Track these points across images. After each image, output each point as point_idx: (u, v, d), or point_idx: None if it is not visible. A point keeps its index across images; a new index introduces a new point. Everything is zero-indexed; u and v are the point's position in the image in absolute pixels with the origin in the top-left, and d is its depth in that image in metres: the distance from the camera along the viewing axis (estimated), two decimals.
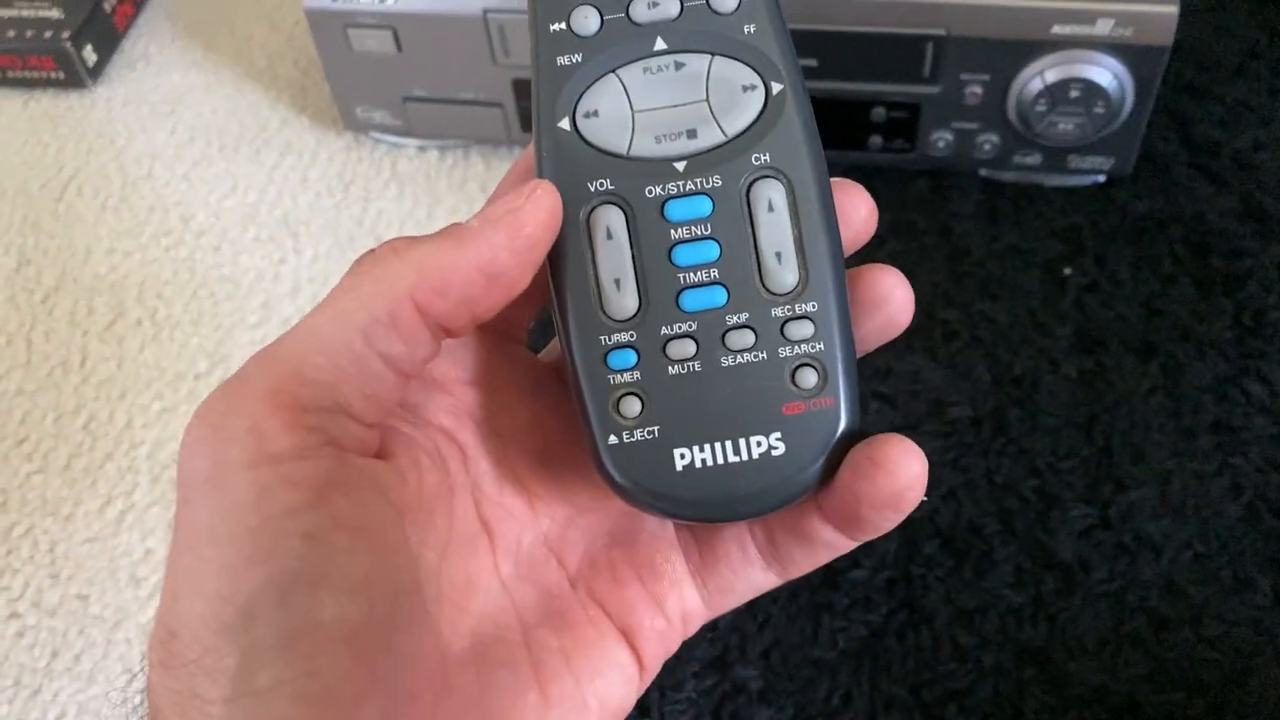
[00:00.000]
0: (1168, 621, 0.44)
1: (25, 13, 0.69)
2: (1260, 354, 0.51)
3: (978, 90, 0.54)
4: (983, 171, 0.58)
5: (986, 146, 0.56)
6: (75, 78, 0.68)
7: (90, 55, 0.68)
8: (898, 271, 0.25)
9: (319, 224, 0.60)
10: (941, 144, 0.57)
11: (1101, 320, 0.52)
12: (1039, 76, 0.52)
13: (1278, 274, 0.53)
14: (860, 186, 0.26)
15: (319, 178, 0.63)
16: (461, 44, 0.57)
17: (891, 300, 0.25)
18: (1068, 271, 0.54)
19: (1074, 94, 0.52)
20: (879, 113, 0.56)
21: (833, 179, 0.25)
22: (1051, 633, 0.43)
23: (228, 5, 0.73)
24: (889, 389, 0.51)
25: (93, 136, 0.66)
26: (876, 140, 0.57)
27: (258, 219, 0.61)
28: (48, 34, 0.67)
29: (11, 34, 0.67)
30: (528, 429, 0.27)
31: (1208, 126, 0.60)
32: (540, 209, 0.24)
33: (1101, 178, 0.57)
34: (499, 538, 0.26)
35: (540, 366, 0.28)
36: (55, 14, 0.68)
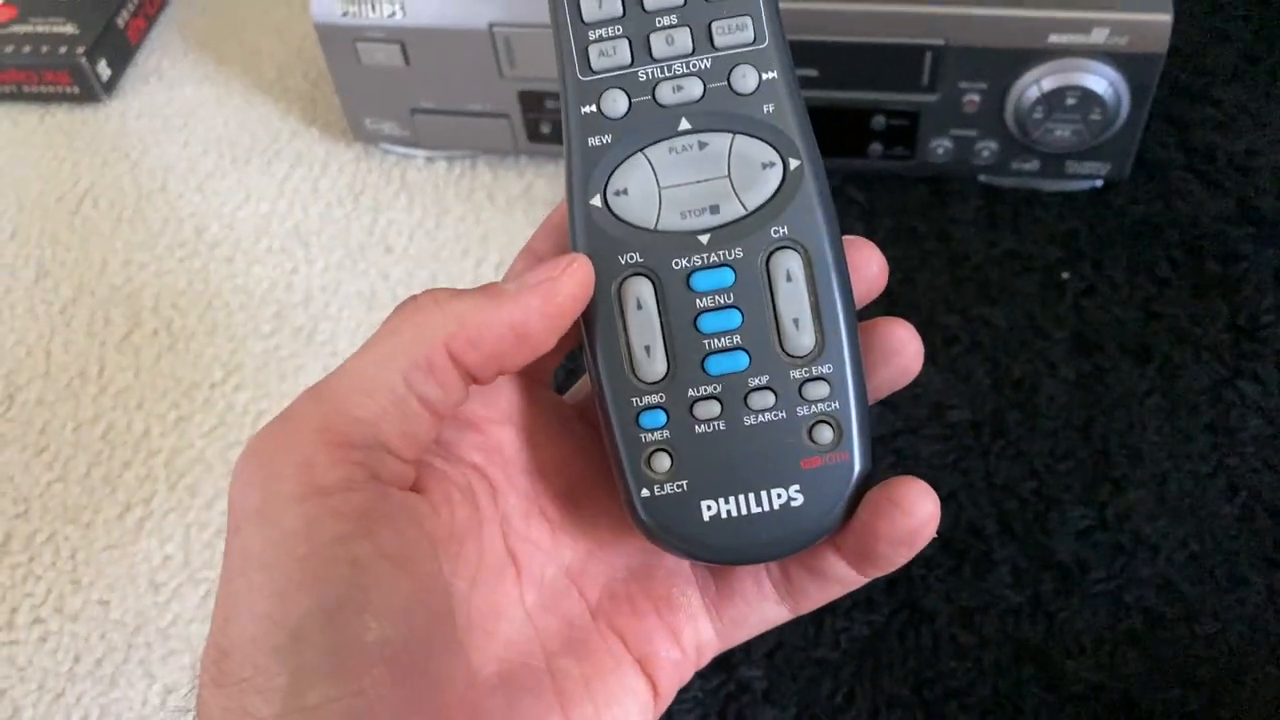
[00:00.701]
0: (1164, 620, 0.44)
1: (40, 28, 0.70)
2: (1255, 356, 0.51)
3: (976, 98, 0.55)
4: (982, 177, 0.59)
5: (985, 153, 0.57)
6: (90, 92, 0.69)
7: (104, 70, 0.70)
8: (908, 325, 0.27)
9: (330, 234, 0.62)
10: (941, 151, 0.57)
11: (1099, 324, 0.53)
12: (1036, 85, 0.53)
13: (1273, 277, 0.54)
14: (871, 244, 0.28)
15: (329, 188, 0.64)
16: (468, 57, 0.58)
17: (903, 353, 0.27)
18: (1065, 276, 0.55)
19: (1070, 102, 0.53)
20: (879, 121, 0.57)
21: (845, 237, 0.27)
22: (1050, 632, 0.44)
23: (238, 19, 0.75)
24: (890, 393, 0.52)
25: (107, 150, 0.67)
26: (877, 148, 0.58)
27: (270, 230, 0.62)
28: (62, 49, 0.68)
29: (27, 49, 0.69)
30: (554, 467, 0.29)
31: (1204, 131, 0.60)
32: (573, 281, 0.26)
33: (1099, 182, 0.58)
34: (525, 569, 0.28)
35: (565, 408, 0.30)
36: (70, 29, 0.70)
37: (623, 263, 0.27)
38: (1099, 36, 0.52)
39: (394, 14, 0.57)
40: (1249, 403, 0.50)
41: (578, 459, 0.29)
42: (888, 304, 0.54)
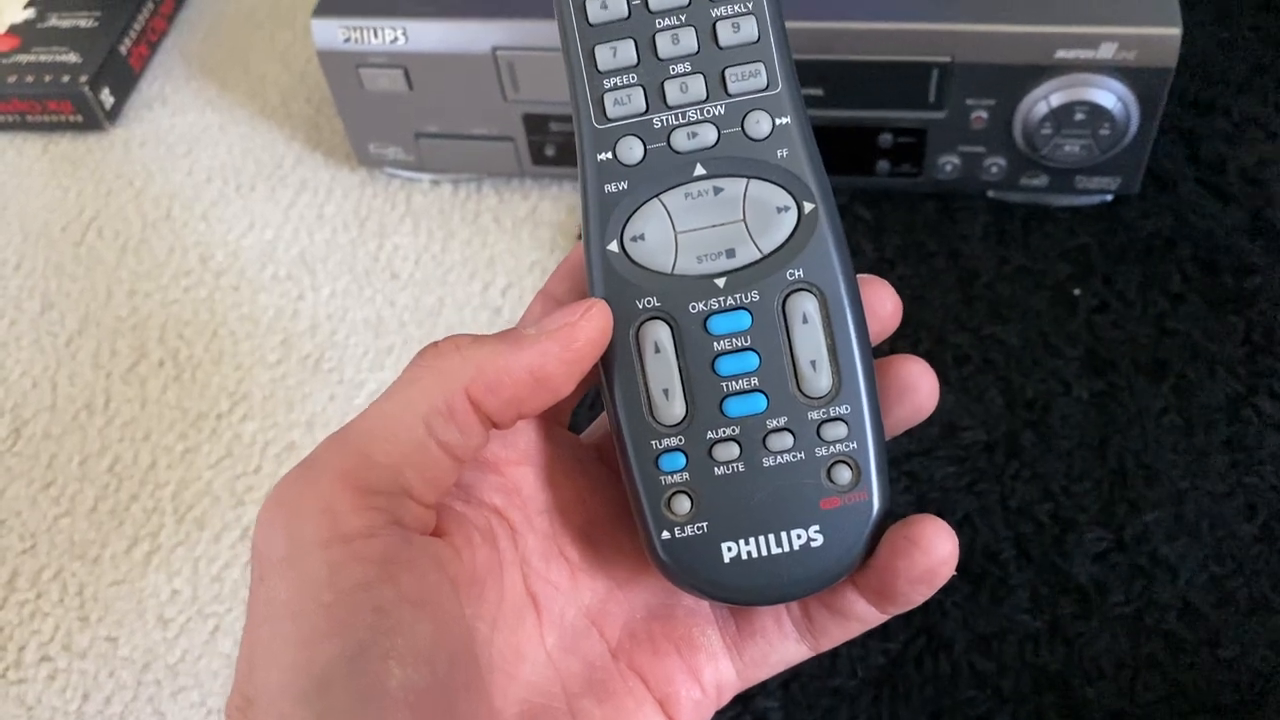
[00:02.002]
0: (1185, 644, 0.44)
1: (43, 58, 0.70)
2: (1272, 371, 0.51)
3: (983, 115, 0.54)
4: (990, 193, 0.59)
5: (993, 169, 0.57)
6: (93, 120, 0.69)
7: (108, 98, 0.69)
8: (923, 362, 0.28)
9: (335, 260, 0.61)
10: (949, 168, 0.57)
11: (1112, 341, 0.53)
12: (1044, 100, 0.53)
13: None
14: (885, 283, 0.28)
15: (334, 214, 0.64)
16: (472, 81, 0.58)
17: (919, 390, 0.27)
18: (1077, 292, 0.55)
19: (1079, 117, 0.53)
20: (886, 139, 0.57)
21: (859, 275, 0.27)
22: (1069, 657, 0.44)
23: (241, 45, 0.74)
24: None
25: (112, 179, 0.67)
26: (884, 165, 0.58)
27: (275, 257, 0.62)
28: (65, 78, 0.68)
29: (30, 79, 0.69)
30: (572, 506, 0.29)
31: (1214, 142, 0.60)
32: (592, 326, 0.26)
33: (1109, 197, 0.58)
34: (545, 610, 0.28)
35: (583, 447, 0.30)
36: (72, 58, 0.70)
37: (640, 307, 0.27)
38: (1107, 51, 0.51)
39: (396, 39, 0.57)
40: (1266, 419, 0.49)
41: (596, 498, 0.29)
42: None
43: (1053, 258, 0.56)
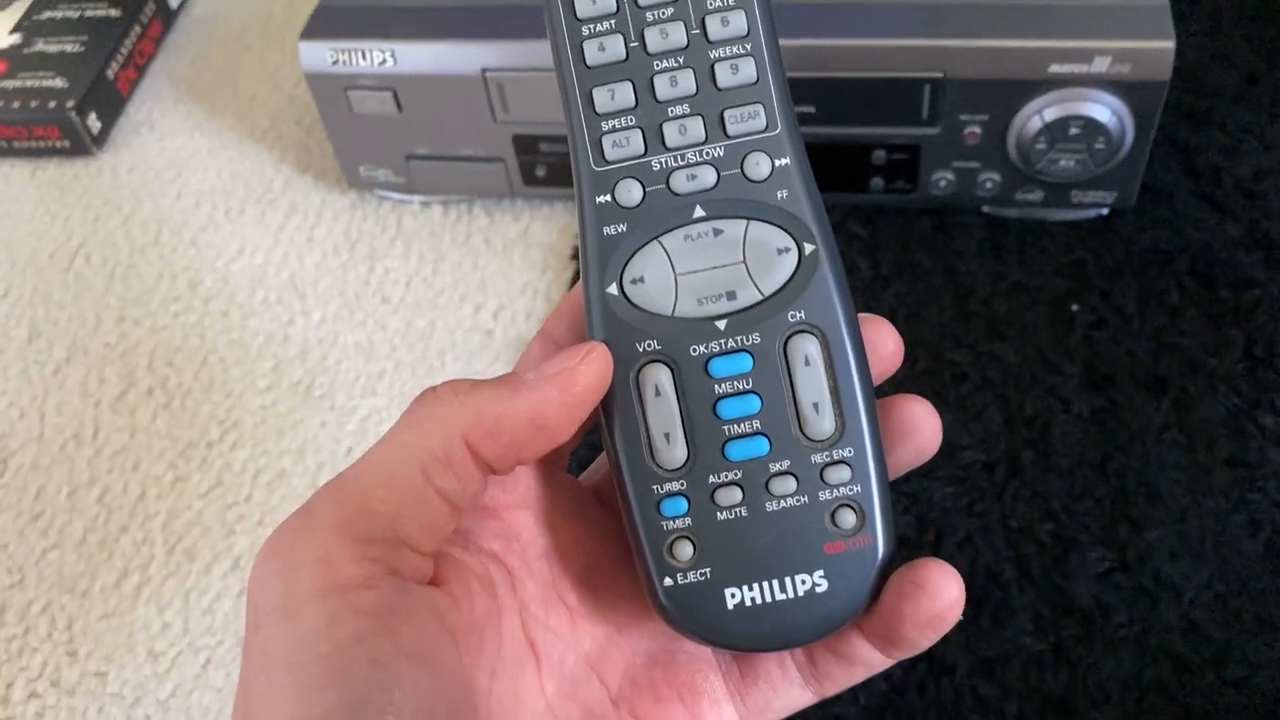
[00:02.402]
0: (1191, 665, 0.43)
1: (29, 83, 0.69)
2: (1273, 386, 0.50)
3: (977, 130, 0.54)
4: (985, 208, 0.58)
5: (988, 184, 0.56)
6: (80, 146, 0.69)
7: (95, 123, 0.69)
8: (926, 403, 0.27)
9: (326, 284, 0.61)
10: (943, 183, 0.57)
11: (1111, 356, 0.52)
12: (1038, 115, 0.52)
13: None
14: (886, 323, 0.28)
15: (325, 237, 0.63)
16: (461, 103, 0.57)
17: (922, 431, 0.27)
18: (1075, 308, 0.54)
19: (1074, 131, 0.52)
20: (879, 155, 0.56)
21: (860, 315, 0.27)
22: (1073, 681, 0.43)
23: (230, 66, 0.74)
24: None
25: (99, 204, 0.67)
26: (878, 182, 0.57)
27: (265, 281, 0.61)
28: (52, 104, 0.68)
29: (16, 105, 0.68)
30: (571, 550, 0.28)
31: (1210, 154, 0.60)
32: (592, 370, 0.26)
33: (1105, 211, 0.57)
34: (544, 658, 0.27)
35: (581, 490, 0.30)
36: (59, 83, 0.69)
37: (640, 350, 0.27)
38: (1101, 65, 0.51)
39: (385, 61, 0.57)
40: (1268, 434, 0.49)
41: (595, 542, 0.29)
42: None
43: (1049, 273, 0.56)
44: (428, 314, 0.59)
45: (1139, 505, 0.47)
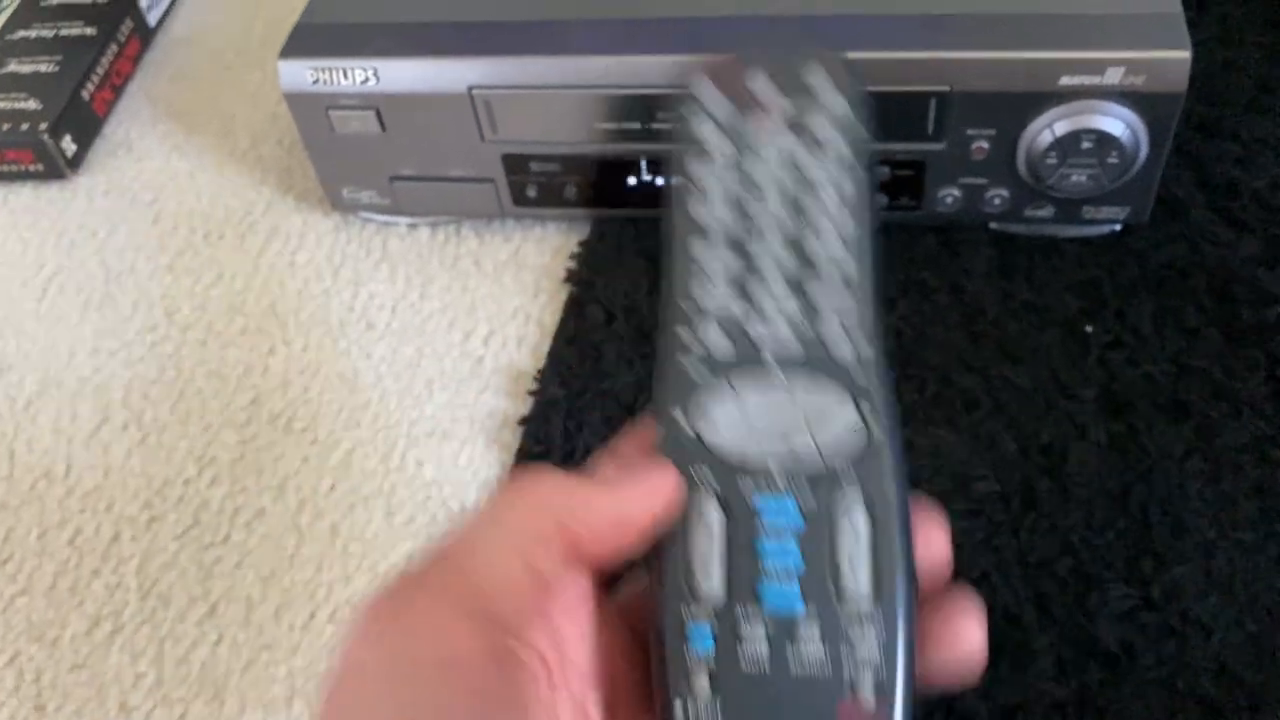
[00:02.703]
0: (1223, 709, 0.41)
1: (1, 105, 0.67)
2: None
3: (985, 145, 0.52)
4: (993, 225, 0.56)
5: (996, 201, 0.54)
6: (55, 169, 0.66)
7: (69, 145, 0.67)
8: (981, 624, 0.27)
9: (308, 312, 0.58)
10: (949, 200, 0.54)
11: (1128, 380, 0.50)
12: (1048, 129, 0.50)
13: None
14: (941, 526, 0.28)
15: (307, 262, 0.61)
16: (448, 122, 0.55)
17: (961, 644, 0.27)
18: (1089, 329, 0.52)
19: (1086, 145, 0.50)
20: (883, 171, 0.54)
21: (916, 507, 0.28)
22: None
23: (210, 86, 0.72)
24: (911, 466, 0.48)
25: (74, 230, 0.64)
26: (882, 198, 0.55)
27: (244, 309, 0.59)
28: (24, 126, 0.65)
29: None
30: (602, 668, 0.29)
31: (1225, 166, 0.57)
32: (673, 485, 0.28)
33: (1118, 227, 0.55)
34: None
35: (611, 608, 0.30)
36: (32, 105, 0.67)
37: (696, 479, 0.28)
38: (1113, 77, 0.49)
39: (367, 80, 0.54)
40: None
41: (620, 662, 0.29)
42: (900, 365, 0.51)
43: (1061, 292, 0.54)
44: (414, 340, 0.57)
45: (1163, 538, 0.45)
